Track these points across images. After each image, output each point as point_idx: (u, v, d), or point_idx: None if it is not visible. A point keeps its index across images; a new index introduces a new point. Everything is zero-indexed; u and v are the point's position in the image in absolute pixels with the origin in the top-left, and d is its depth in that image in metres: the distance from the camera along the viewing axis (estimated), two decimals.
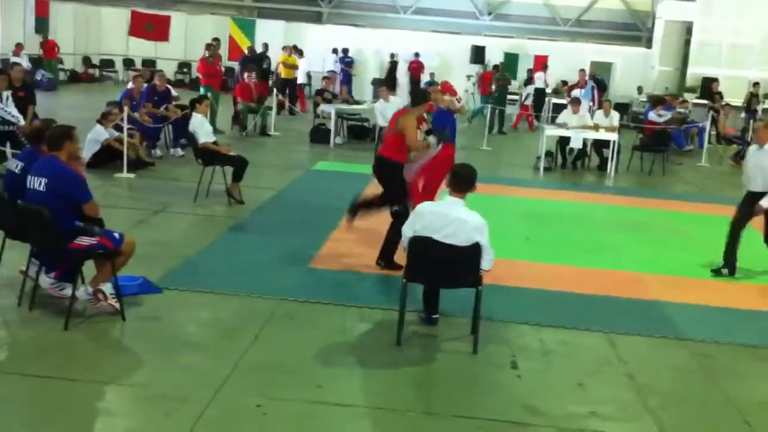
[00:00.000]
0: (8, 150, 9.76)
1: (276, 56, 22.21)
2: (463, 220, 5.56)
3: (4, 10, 23.93)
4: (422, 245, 5.56)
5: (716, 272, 8.09)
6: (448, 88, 9.34)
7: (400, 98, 18.26)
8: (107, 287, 5.83)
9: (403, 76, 26.96)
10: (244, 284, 6.79)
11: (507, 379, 5.33)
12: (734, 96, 21.46)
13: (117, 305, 5.80)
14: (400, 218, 7.39)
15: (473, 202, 5.78)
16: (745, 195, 8.08)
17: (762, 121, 8.58)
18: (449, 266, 5.63)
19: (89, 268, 5.94)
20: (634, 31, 29.20)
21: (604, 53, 27.74)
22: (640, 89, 25.85)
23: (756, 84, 21.99)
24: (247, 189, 10.13)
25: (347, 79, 25.97)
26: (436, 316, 6.13)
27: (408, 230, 5.72)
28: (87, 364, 5.12)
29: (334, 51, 26.70)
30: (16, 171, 6.39)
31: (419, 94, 8.14)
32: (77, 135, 6.05)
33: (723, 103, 19.22)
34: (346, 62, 26.45)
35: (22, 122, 10.49)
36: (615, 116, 15.51)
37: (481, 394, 5.07)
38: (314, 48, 25.77)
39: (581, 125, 14.78)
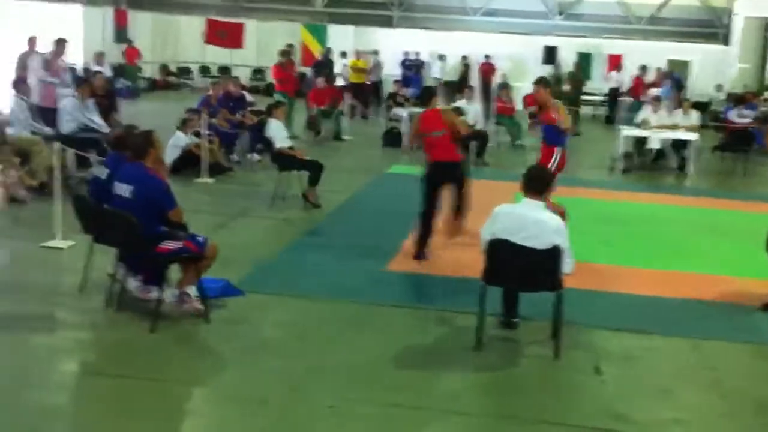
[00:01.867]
0: (93, 157, 10.06)
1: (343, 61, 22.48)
2: (543, 221, 5.49)
3: (85, 21, 24.68)
4: (500, 248, 5.50)
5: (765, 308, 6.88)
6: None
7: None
8: (192, 290, 5.96)
9: (474, 78, 26.81)
10: (320, 287, 6.85)
11: (591, 385, 5.25)
12: None
13: (201, 307, 5.93)
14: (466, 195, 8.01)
15: None
16: None
17: None
18: (528, 269, 5.56)
19: (174, 271, 6.08)
20: (711, 27, 28.41)
21: (681, 51, 27.05)
22: (719, 87, 25.15)
23: None
24: (323, 193, 10.21)
25: (420, 82, 25.97)
26: (516, 319, 6.06)
27: (486, 232, 5.67)
28: (172, 365, 5.25)
29: (441, 57, 26.60)
30: (103, 177, 6.61)
31: (431, 90, 8.54)
32: (158, 138, 6.20)
33: None
34: (410, 65, 26.42)
35: (106, 130, 10.81)
36: (694, 115, 15.13)
37: (564, 399, 5.01)
38: (385, 52, 25.83)
39: (660, 125, 14.47)
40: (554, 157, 8.44)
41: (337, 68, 22.14)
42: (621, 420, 4.73)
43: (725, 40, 27.51)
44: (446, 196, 8.09)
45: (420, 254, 7.87)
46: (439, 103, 8.16)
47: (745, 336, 6.23)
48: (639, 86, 21.94)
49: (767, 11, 25.22)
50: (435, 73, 26.48)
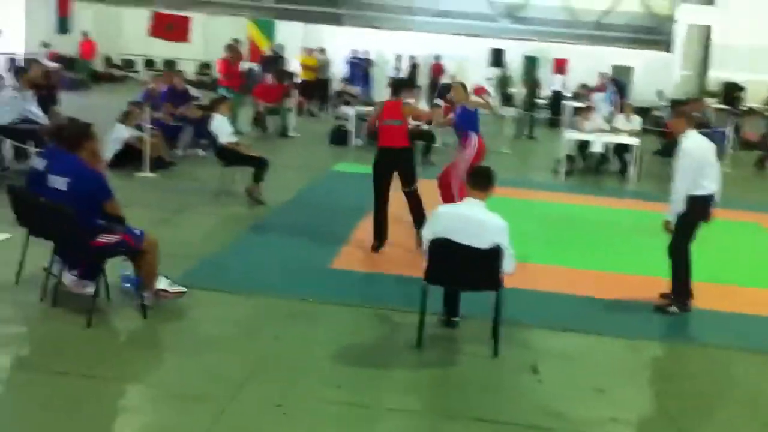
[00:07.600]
0: (31, 148, 9.82)
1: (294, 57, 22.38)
2: (484, 221, 5.54)
3: (27, 10, 24.11)
4: (442, 247, 5.53)
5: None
6: (481, 90, 9.82)
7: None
8: (162, 281, 5.99)
9: (423, 78, 26.93)
10: (264, 284, 6.81)
11: (527, 383, 5.30)
12: (756, 101, 21.29)
13: (181, 288, 6.12)
14: (415, 197, 8.13)
15: (493, 205, 5.75)
16: None
17: None
18: (470, 268, 5.60)
19: (112, 265, 5.97)
20: (654, 34, 29.02)
21: (624, 57, 27.57)
22: (660, 93, 25.67)
23: None
24: (268, 190, 10.15)
25: (367, 81, 25.95)
26: (457, 318, 6.10)
27: (428, 232, 5.70)
28: (108, 362, 5.14)
29: (397, 58, 26.45)
30: (40, 169, 6.43)
31: (404, 82, 9.16)
32: (96, 132, 6.09)
33: (745, 108, 19.05)
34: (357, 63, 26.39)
35: (44, 121, 10.56)
36: (636, 120, 15.41)
37: (501, 397, 5.05)
38: (333, 50, 25.77)
39: (599, 129, 14.71)
40: (470, 143, 8.84)
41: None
42: (558, 418, 4.79)
43: (668, 47, 28.12)
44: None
45: (375, 246, 8.13)
46: (410, 95, 8.85)
47: (680, 337, 6.38)
48: None
49: (708, 19, 25.82)
50: (391, 72, 26.48)
